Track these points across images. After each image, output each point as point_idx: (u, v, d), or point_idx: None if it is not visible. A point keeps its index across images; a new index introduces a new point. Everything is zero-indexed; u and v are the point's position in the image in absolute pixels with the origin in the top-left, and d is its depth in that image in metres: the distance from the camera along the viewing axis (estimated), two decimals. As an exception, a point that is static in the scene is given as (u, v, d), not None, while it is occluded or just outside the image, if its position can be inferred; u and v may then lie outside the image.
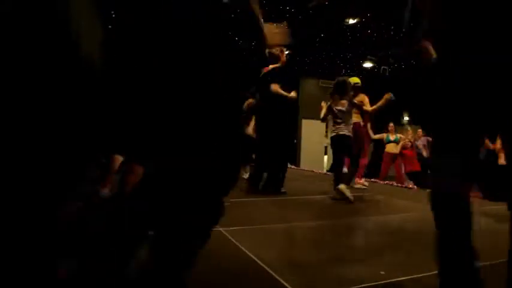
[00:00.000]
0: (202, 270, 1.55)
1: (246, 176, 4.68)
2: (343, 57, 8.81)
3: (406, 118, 10.29)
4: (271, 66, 3.82)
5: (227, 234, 2.04)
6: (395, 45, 7.36)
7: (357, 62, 9.03)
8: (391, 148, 6.58)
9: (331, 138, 3.55)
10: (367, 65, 8.96)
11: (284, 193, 3.59)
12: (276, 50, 3.81)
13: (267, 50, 4.05)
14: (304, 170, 7.67)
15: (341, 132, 3.44)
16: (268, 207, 2.97)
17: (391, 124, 6.86)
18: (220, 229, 2.13)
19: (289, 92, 3.74)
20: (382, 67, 8.82)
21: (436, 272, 1.56)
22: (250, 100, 4.85)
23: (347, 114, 3.47)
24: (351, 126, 3.53)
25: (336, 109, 3.48)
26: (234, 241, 1.93)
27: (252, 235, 2.09)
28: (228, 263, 1.67)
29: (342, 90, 3.53)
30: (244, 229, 2.19)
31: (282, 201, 3.21)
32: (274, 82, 3.70)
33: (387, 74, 8.97)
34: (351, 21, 6.54)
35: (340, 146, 3.47)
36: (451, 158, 1.10)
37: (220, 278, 1.50)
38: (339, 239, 2.14)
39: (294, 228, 2.29)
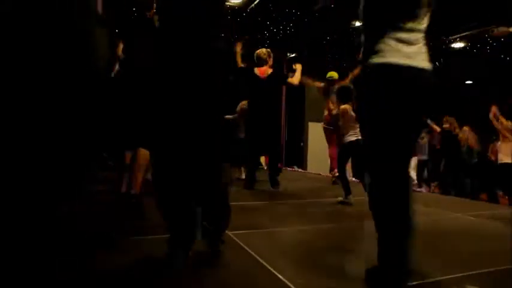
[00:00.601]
0: (211, 273, 1.56)
1: (243, 176, 4.90)
2: (349, 59, 8.79)
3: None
4: (262, 69, 4.04)
5: (235, 238, 2.05)
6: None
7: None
8: None
9: (356, 141, 3.38)
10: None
11: (277, 189, 3.88)
12: (263, 54, 4.04)
13: (255, 55, 4.31)
14: (311, 172, 7.65)
15: (360, 137, 3.43)
16: (276, 210, 2.97)
17: None
18: (228, 233, 2.13)
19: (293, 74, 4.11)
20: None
21: (446, 277, 1.55)
22: (244, 102, 5.03)
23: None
24: None
25: (353, 113, 3.46)
26: (242, 245, 1.94)
27: (260, 239, 2.10)
28: (236, 266, 1.68)
29: (348, 96, 3.54)
30: (252, 233, 2.20)
31: (290, 205, 3.21)
32: (276, 87, 4.05)
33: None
34: (357, 23, 6.54)
35: (360, 150, 3.46)
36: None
37: (229, 281, 1.51)
38: (348, 242, 2.14)
39: (302, 231, 2.29)
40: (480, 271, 1.68)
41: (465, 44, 6.75)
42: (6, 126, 2.03)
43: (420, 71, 1.39)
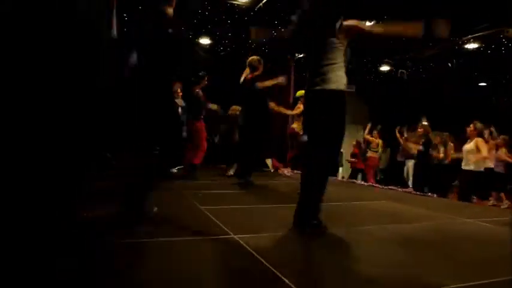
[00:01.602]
0: (218, 278, 1.60)
1: (231, 172, 5.45)
2: (359, 60, 8.78)
3: (424, 122, 10.16)
4: (250, 76, 4.43)
5: (242, 242, 2.08)
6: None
7: (373, 65, 8.99)
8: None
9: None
10: (384, 68, 8.91)
11: (252, 184, 4.43)
12: (254, 62, 4.44)
13: (247, 60, 4.78)
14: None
15: None
16: (281, 214, 3.00)
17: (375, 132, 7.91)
18: (234, 236, 2.18)
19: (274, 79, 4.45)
20: (400, 70, 8.74)
21: (457, 285, 1.56)
22: (234, 107, 5.31)
23: None
24: None
25: None
26: (249, 249, 1.97)
27: (267, 242, 2.13)
28: (242, 271, 1.71)
29: None
30: (257, 237, 2.23)
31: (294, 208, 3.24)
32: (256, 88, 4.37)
33: (405, 78, 8.89)
34: (367, 23, 6.52)
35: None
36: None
37: (235, 286, 1.55)
38: (354, 248, 2.16)
39: (309, 236, 2.31)
40: (493, 280, 1.67)
41: (479, 44, 6.72)
42: (8, 125, 2.10)
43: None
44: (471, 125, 5.20)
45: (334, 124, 2.29)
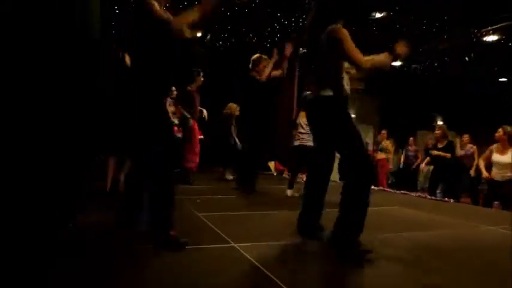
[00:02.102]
0: (216, 283, 1.59)
1: (230, 177, 5.45)
2: (369, 54, 8.72)
3: (439, 122, 10.10)
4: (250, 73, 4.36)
5: (242, 251, 2.05)
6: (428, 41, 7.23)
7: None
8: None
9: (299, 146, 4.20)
10: (396, 63, 8.84)
11: (253, 188, 4.37)
12: (256, 59, 4.37)
13: (252, 57, 4.70)
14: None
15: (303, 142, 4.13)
16: (282, 220, 2.94)
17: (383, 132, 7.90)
18: (234, 245, 2.14)
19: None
20: (413, 65, 8.67)
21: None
22: (230, 105, 5.54)
23: None
24: None
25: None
26: (248, 257, 1.94)
27: (267, 250, 2.10)
28: (242, 280, 1.69)
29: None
30: (259, 245, 2.19)
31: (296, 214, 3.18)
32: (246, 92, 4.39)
33: (418, 73, 8.82)
34: (378, 15, 6.47)
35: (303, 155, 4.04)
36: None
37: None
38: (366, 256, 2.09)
39: (315, 244, 2.27)
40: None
41: (499, 36, 6.62)
42: (8, 126, 2.10)
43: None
44: (500, 130, 4.63)
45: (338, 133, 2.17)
